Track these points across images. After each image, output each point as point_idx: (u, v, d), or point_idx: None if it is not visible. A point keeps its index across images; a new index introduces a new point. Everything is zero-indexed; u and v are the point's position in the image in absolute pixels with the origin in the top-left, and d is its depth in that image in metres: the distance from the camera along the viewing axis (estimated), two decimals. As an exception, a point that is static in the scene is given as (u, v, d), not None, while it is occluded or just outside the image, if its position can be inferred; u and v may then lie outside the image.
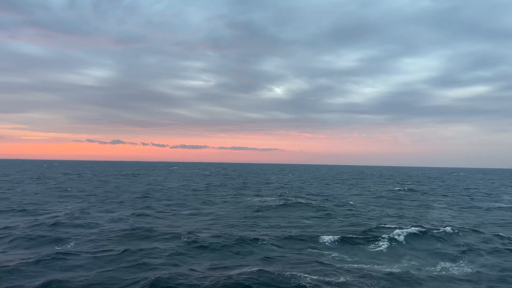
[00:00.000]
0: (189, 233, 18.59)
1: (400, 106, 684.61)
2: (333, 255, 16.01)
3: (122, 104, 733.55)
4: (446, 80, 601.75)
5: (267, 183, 64.51)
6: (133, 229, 19.18)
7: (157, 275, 11.86)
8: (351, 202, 35.13)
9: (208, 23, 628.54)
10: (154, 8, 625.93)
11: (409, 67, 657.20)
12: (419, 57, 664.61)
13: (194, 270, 12.84)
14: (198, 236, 17.94)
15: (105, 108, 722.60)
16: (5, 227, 19.84)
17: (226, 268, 13.41)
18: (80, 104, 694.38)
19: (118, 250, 15.17)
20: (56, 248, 15.91)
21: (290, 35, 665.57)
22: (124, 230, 19.10)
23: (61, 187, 48.03)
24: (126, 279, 11.83)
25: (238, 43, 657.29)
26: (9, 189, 43.22)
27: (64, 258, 14.00)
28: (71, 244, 16.56)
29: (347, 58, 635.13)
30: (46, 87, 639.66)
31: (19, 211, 26.17)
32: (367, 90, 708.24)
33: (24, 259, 13.84)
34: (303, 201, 33.34)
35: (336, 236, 18.82)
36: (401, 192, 49.57)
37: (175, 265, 13.64)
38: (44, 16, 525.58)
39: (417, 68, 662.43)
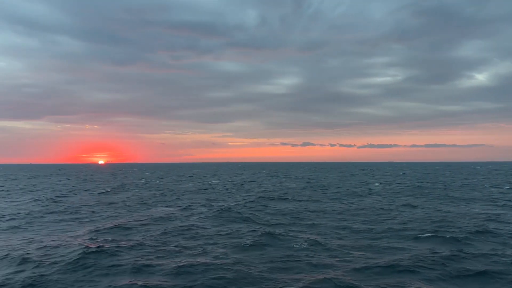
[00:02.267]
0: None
1: None
2: None
3: (309, 107, 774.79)
4: None
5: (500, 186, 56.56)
6: None
7: None
8: None
9: (393, 15, 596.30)
10: (337, 11, 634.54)
11: None
12: None
13: None
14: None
15: (295, 112, 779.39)
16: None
17: None
18: (274, 111, 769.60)
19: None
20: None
21: (492, 12, 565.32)
22: None
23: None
24: None
25: (428, 30, 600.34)
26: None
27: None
28: None
29: None
30: (246, 99, 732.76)
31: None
32: None
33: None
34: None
35: None
36: None
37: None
38: (241, 36, 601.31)
39: None
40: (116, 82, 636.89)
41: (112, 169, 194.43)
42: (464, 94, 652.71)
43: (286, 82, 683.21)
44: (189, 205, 33.69)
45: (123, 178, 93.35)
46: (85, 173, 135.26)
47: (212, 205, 32.88)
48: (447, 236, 19.55)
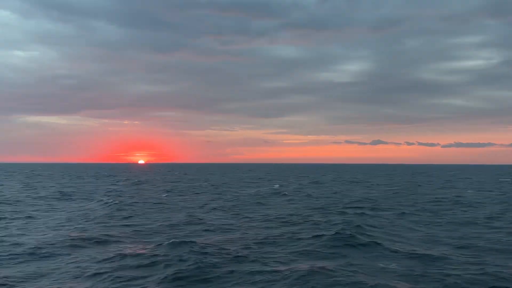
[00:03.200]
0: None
1: None
2: None
3: (381, 98, 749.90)
4: None
5: None
6: None
7: None
8: None
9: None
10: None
11: None
12: None
13: None
14: None
15: (363, 105, 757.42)
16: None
17: None
18: (337, 103, 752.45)
19: None
20: None
21: None
22: None
23: None
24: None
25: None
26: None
27: None
28: None
29: None
30: (303, 88, 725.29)
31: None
32: None
33: None
34: None
35: None
36: None
37: None
38: (298, 16, 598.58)
39: None
40: (158, 72, 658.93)
41: (155, 170, 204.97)
42: None
43: (353, 68, 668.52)
44: (262, 212, 36.40)
45: (174, 180, 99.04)
46: (129, 174, 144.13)
47: (290, 214, 35.43)
48: None
